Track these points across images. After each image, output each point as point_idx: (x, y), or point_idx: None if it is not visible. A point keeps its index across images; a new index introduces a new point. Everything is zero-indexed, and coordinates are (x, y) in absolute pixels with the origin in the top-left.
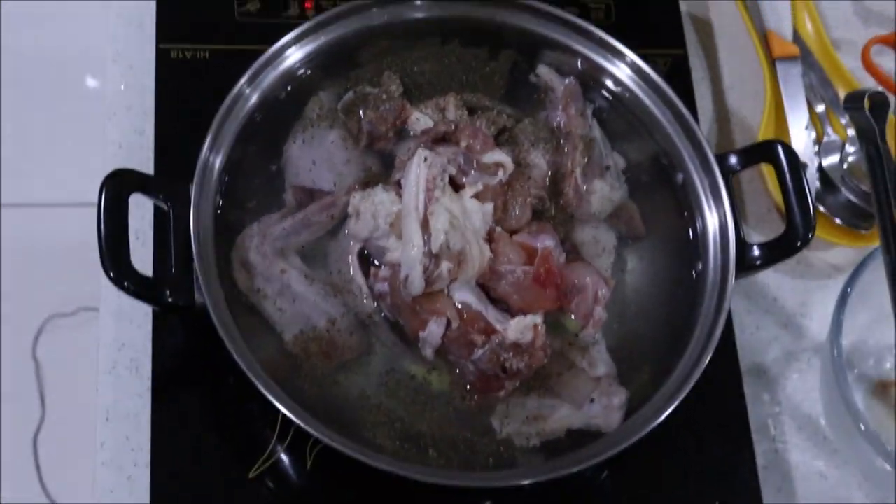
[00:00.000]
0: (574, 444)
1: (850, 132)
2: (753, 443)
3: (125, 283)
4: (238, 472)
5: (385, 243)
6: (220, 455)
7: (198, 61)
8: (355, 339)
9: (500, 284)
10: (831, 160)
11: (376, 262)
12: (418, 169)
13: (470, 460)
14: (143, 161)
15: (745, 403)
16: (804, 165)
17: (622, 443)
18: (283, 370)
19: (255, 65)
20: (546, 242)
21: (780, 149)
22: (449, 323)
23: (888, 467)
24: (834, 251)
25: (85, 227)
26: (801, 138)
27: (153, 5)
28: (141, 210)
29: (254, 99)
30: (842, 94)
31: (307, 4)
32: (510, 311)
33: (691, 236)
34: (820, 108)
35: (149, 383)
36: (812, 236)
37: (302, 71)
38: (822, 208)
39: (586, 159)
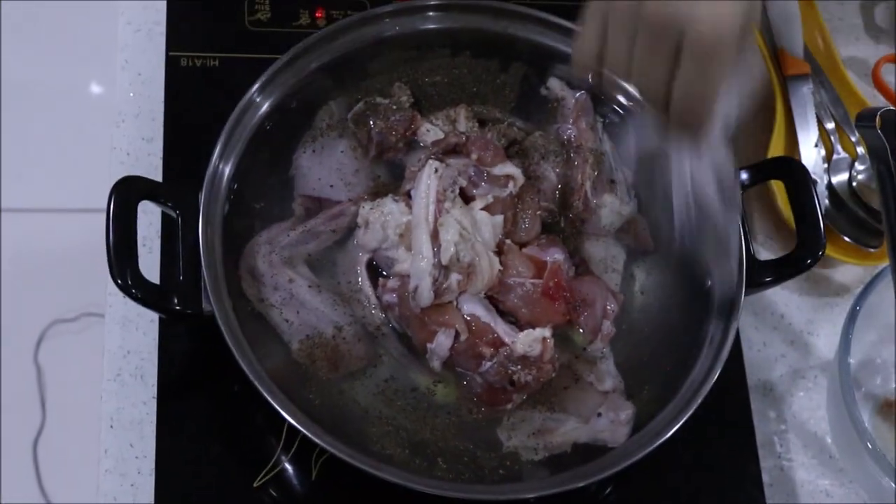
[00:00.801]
0: (580, 459)
1: (860, 150)
2: (759, 459)
3: (133, 291)
4: (243, 481)
5: (394, 254)
6: (225, 464)
7: (207, 69)
8: (362, 350)
9: (509, 297)
10: (841, 178)
11: (385, 273)
12: (429, 180)
13: (476, 473)
14: (151, 169)
15: (751, 420)
16: (813, 182)
17: (629, 458)
18: (289, 379)
19: (266, 74)
20: (555, 256)
21: (791, 166)
22: (457, 335)
23: (894, 486)
24: (842, 269)
25: (89, 233)
26: (810, 155)
27: (163, 13)
28: (149, 217)
29: (264, 108)
30: (852, 112)
31: (318, 14)
32: (518, 323)
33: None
34: (830, 125)
35: (154, 391)
36: (822, 254)
37: (312, 80)
38: (830, 226)
39: (596, 173)
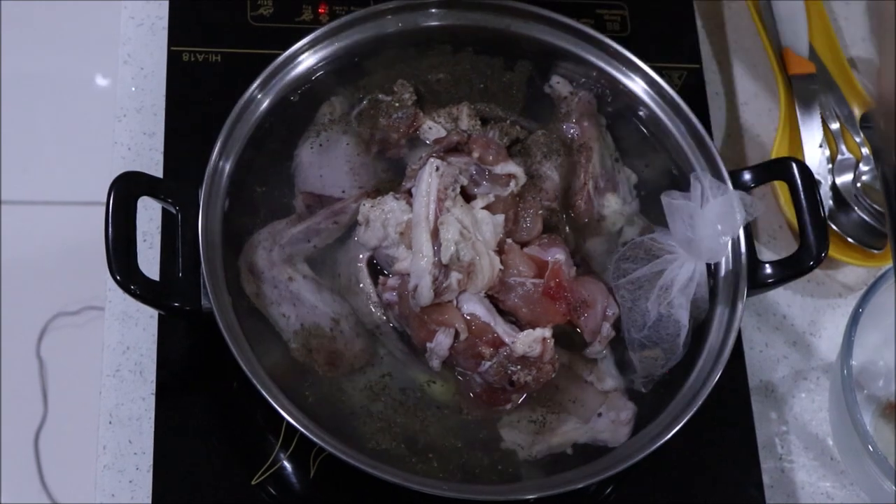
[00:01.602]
0: (580, 459)
1: (865, 151)
2: (760, 461)
3: (132, 287)
4: (241, 478)
5: (394, 252)
6: (224, 461)
7: (209, 64)
8: (362, 348)
9: (510, 297)
10: (845, 178)
11: (385, 272)
12: (430, 178)
13: (475, 473)
14: (152, 164)
15: (752, 421)
16: (817, 183)
17: (629, 459)
18: (288, 377)
19: (268, 69)
20: (557, 256)
21: (794, 166)
22: (457, 334)
23: (895, 489)
24: (845, 270)
25: (92, 226)
26: (814, 156)
27: (166, 7)
28: (149, 212)
29: (265, 103)
30: (857, 113)
31: (321, 9)
32: (519, 323)
33: None
34: (834, 125)
35: (153, 387)
36: (825, 255)
37: (314, 76)
38: (834, 227)
39: (599, 172)
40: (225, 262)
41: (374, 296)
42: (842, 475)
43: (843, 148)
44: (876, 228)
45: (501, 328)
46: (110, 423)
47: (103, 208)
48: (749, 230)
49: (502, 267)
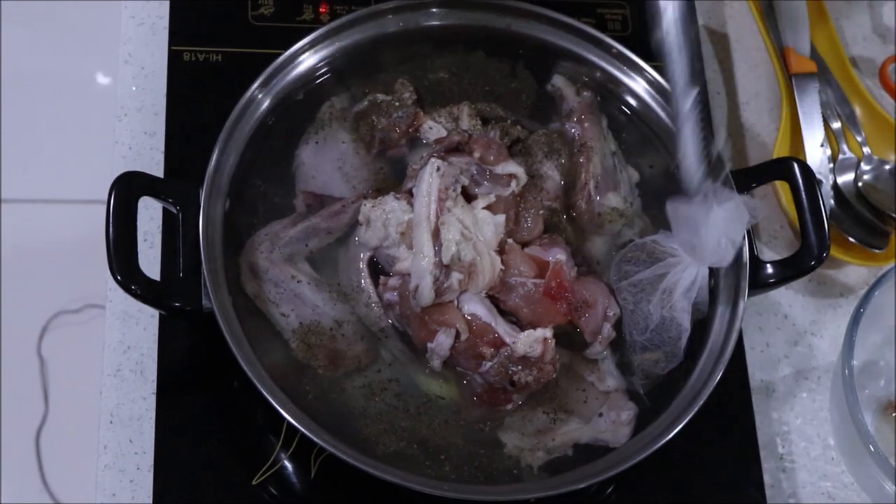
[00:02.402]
0: (582, 459)
1: (866, 150)
2: (761, 461)
3: (132, 287)
4: (242, 478)
5: (395, 252)
6: (224, 461)
7: (210, 64)
8: (362, 348)
9: (511, 297)
10: (846, 178)
11: (386, 271)
12: (430, 179)
13: (476, 473)
14: (153, 163)
15: (753, 421)
16: (819, 183)
17: (630, 459)
18: (289, 377)
19: (269, 69)
20: (558, 256)
21: (796, 166)
22: (458, 334)
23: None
24: (846, 269)
25: (93, 225)
26: (816, 155)
27: (166, 7)
28: (150, 212)
29: (266, 103)
30: (858, 112)
31: (322, 9)
32: (520, 323)
33: None
34: (836, 125)
35: (154, 387)
36: (827, 255)
37: (315, 76)
38: (835, 226)
39: (600, 172)
40: (225, 261)
41: (374, 296)
42: (843, 475)
43: (845, 147)
44: (877, 228)
45: (502, 328)
46: (111, 422)
47: (104, 207)
48: (750, 230)
49: (503, 267)
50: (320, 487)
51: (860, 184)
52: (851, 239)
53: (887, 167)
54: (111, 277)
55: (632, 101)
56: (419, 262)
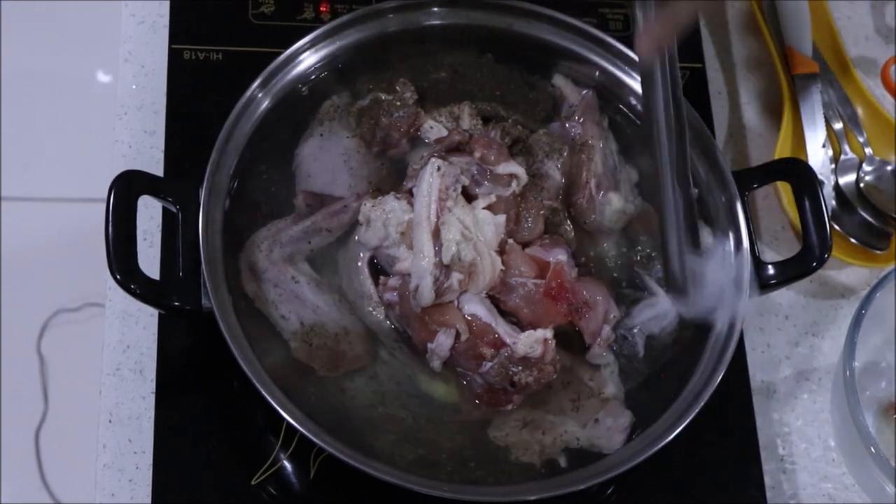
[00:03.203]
0: (582, 461)
1: (868, 151)
2: (762, 462)
3: (132, 287)
4: (241, 478)
5: (395, 252)
6: (223, 461)
7: (210, 63)
8: (362, 348)
9: (511, 297)
10: (848, 179)
11: (386, 271)
12: (431, 178)
13: (474, 474)
14: (153, 162)
15: (754, 422)
16: (820, 183)
17: (630, 461)
18: (288, 377)
19: (269, 68)
20: (558, 256)
21: (797, 167)
22: (458, 335)
23: None
24: (847, 271)
25: (93, 223)
26: (817, 156)
27: (167, 6)
28: (150, 211)
29: (266, 102)
30: (860, 112)
31: (322, 8)
32: (520, 324)
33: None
34: (837, 125)
35: (153, 386)
36: (828, 256)
37: (315, 75)
38: (837, 227)
39: (601, 171)
40: (225, 261)
41: (374, 296)
42: (843, 476)
43: (847, 148)
44: (879, 229)
45: (502, 329)
46: (110, 421)
47: (104, 205)
48: (752, 231)
49: (503, 267)
50: (320, 487)
51: (862, 185)
52: (853, 240)
53: (889, 168)
54: (111, 276)
55: (633, 101)
56: (419, 262)
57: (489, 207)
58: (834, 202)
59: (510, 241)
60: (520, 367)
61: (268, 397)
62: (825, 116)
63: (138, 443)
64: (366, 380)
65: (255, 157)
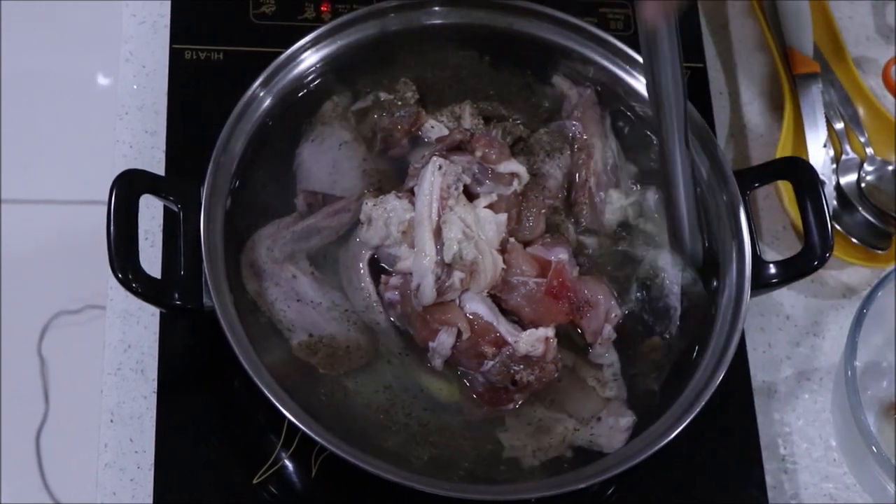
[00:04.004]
0: (582, 460)
1: (869, 151)
2: (763, 462)
3: (133, 285)
4: (242, 477)
5: (396, 251)
6: (225, 460)
7: (211, 62)
8: (363, 347)
9: (512, 296)
10: (849, 179)
11: (387, 270)
12: (432, 177)
13: (475, 472)
14: (154, 162)
15: (755, 422)
16: (822, 183)
17: (631, 460)
18: (290, 375)
19: (270, 67)
20: (560, 255)
21: (799, 166)
22: (459, 333)
23: None
24: (849, 270)
25: (93, 225)
26: (818, 156)
27: (167, 5)
28: (151, 210)
29: (267, 102)
30: (861, 112)
31: (323, 7)
32: (521, 323)
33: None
34: (838, 125)
35: (154, 385)
36: (829, 256)
37: (316, 75)
38: (838, 227)
39: (601, 169)
40: (226, 260)
41: (375, 295)
42: (845, 476)
43: (848, 148)
44: (880, 229)
45: (504, 327)
46: (111, 421)
47: (105, 207)
48: (753, 230)
49: (505, 266)
50: (321, 486)
51: (863, 184)
52: (854, 240)
53: (890, 168)
54: (112, 276)
55: (634, 101)
56: (421, 260)
57: (490, 206)
58: (835, 202)
59: (511, 239)
60: (521, 366)
61: (269, 396)
62: (826, 116)
63: (140, 442)
64: (366, 378)
65: (256, 156)
